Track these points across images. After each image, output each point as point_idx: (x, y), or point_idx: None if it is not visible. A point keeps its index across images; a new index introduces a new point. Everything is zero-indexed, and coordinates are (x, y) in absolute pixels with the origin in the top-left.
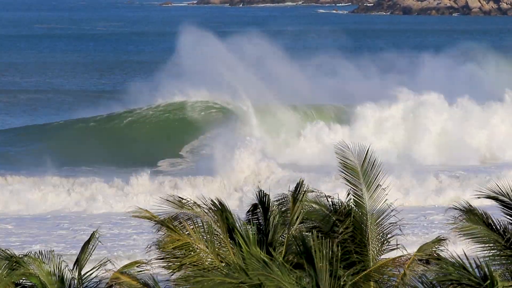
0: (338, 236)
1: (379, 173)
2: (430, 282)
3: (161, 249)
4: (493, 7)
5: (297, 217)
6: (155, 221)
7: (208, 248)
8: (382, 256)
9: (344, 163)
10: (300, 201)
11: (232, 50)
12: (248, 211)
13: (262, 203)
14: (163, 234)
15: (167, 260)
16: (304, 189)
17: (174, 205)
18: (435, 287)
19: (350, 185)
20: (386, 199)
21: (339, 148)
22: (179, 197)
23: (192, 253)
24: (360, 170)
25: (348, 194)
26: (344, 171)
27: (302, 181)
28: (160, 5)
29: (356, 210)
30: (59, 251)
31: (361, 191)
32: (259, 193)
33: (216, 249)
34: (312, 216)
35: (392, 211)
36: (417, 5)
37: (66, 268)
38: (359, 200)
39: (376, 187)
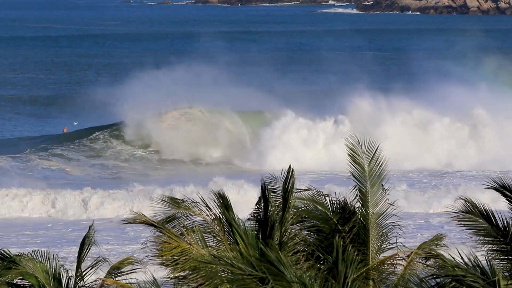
0: (344, 236)
1: (382, 171)
2: (431, 279)
3: (160, 257)
4: (491, 6)
5: (291, 214)
6: (148, 224)
7: (205, 251)
8: (382, 255)
9: (353, 158)
10: (291, 193)
11: None
12: (256, 203)
13: (264, 197)
14: (159, 235)
15: (168, 265)
16: (294, 180)
17: (170, 205)
18: (437, 284)
19: (356, 181)
20: (387, 199)
21: (349, 142)
22: (175, 198)
23: (190, 254)
24: (367, 167)
25: (355, 192)
26: (352, 166)
27: (292, 169)
28: (158, 4)
29: (361, 208)
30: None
31: (366, 189)
32: (262, 186)
33: (215, 248)
34: (311, 215)
35: (393, 210)
36: (415, 4)
37: (62, 268)
38: (364, 198)
39: (380, 187)
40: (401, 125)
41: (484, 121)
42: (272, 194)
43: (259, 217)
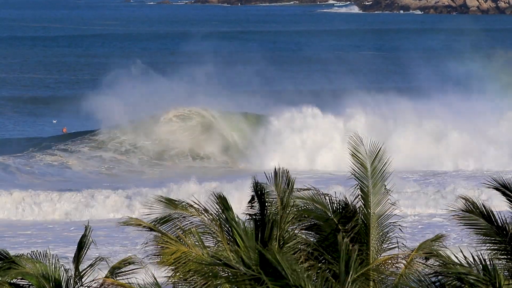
0: (345, 235)
1: (385, 171)
2: (432, 277)
3: (160, 263)
4: (491, 6)
5: (289, 213)
6: (146, 227)
7: (203, 253)
8: (383, 255)
9: (355, 157)
10: (288, 192)
11: None
12: (249, 202)
13: (258, 196)
14: (158, 238)
15: (169, 265)
16: (290, 180)
17: (168, 206)
18: (440, 282)
19: (358, 181)
20: (389, 199)
21: (352, 140)
22: (170, 199)
23: (190, 257)
24: (369, 166)
25: (356, 191)
26: (354, 166)
27: (286, 169)
28: (158, 4)
29: (363, 207)
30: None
31: (367, 188)
32: (255, 184)
33: (214, 249)
34: (311, 214)
35: (395, 210)
36: (415, 4)
37: (62, 267)
38: (366, 197)
39: (382, 186)
40: (414, 130)
41: (499, 139)
42: (267, 193)
43: (255, 217)
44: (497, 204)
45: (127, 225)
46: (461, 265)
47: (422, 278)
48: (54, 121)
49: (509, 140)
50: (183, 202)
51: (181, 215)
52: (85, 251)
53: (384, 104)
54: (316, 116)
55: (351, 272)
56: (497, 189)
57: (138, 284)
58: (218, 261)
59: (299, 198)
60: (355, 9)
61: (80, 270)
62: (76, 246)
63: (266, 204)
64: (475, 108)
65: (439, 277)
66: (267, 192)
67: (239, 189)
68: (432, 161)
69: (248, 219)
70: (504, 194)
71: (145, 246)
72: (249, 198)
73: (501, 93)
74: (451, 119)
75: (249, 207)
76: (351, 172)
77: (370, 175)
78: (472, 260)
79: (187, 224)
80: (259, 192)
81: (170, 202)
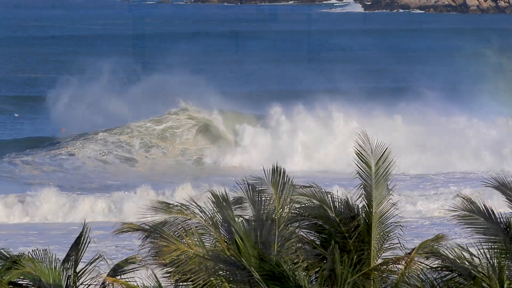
0: (346, 235)
1: (389, 171)
2: (433, 275)
3: (160, 260)
4: (491, 5)
5: (287, 212)
6: (143, 230)
7: (202, 250)
8: (384, 254)
9: (360, 156)
10: (286, 190)
11: None
12: (234, 202)
13: (252, 197)
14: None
15: (169, 270)
16: (286, 177)
17: (161, 211)
18: (442, 279)
19: (362, 179)
20: (391, 198)
21: (359, 138)
22: (165, 202)
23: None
24: (374, 166)
25: (359, 190)
26: (358, 165)
27: (284, 170)
28: (158, 3)
29: (365, 207)
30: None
31: (371, 188)
32: (246, 186)
33: (212, 248)
34: (313, 212)
35: (396, 210)
36: (415, 3)
37: (62, 267)
38: (369, 197)
39: (385, 186)
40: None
41: None
42: (262, 191)
43: (248, 217)
44: (497, 203)
45: (121, 233)
46: (469, 255)
47: (423, 277)
48: (16, 115)
49: (508, 141)
50: (178, 204)
51: (176, 219)
52: (84, 250)
53: (384, 105)
54: (329, 116)
55: (348, 278)
56: (497, 188)
57: (137, 284)
58: (218, 260)
59: (301, 195)
60: (355, 8)
61: (80, 269)
62: (74, 245)
63: (262, 203)
64: (475, 108)
65: (443, 273)
66: (262, 190)
67: (237, 190)
68: (437, 162)
69: (241, 220)
70: (504, 193)
71: (143, 248)
72: (238, 199)
73: (500, 93)
74: (453, 119)
75: (235, 209)
76: (356, 170)
77: (374, 174)
78: (474, 258)
79: (184, 226)
80: (250, 192)
81: (165, 208)
